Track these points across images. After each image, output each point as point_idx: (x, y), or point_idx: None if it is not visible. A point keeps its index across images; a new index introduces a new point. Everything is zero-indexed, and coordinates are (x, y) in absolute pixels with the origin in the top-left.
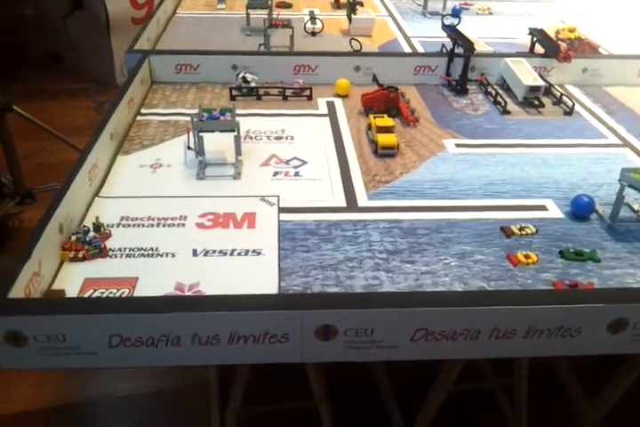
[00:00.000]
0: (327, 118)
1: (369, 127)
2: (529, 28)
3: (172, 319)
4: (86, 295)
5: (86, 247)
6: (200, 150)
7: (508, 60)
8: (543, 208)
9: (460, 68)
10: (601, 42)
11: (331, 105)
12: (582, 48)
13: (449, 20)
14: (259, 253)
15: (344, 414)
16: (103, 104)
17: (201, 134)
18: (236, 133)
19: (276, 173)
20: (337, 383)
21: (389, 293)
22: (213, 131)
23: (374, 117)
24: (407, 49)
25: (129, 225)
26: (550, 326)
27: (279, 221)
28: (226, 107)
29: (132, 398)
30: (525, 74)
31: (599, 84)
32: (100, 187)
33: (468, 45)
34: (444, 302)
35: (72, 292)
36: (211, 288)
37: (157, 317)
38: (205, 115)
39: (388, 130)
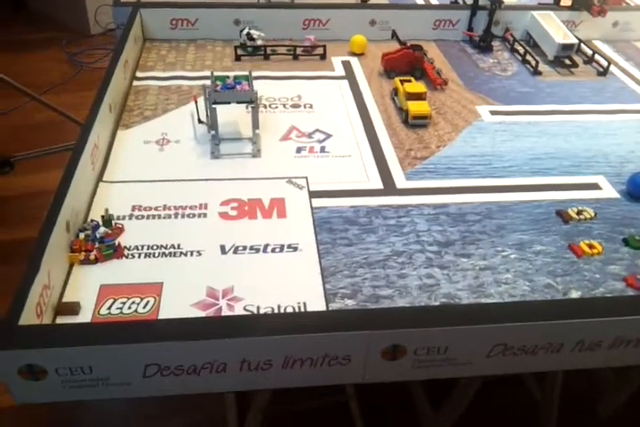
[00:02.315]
0: (345, 81)
1: (395, 92)
2: None
3: (219, 346)
4: (105, 307)
5: (97, 246)
6: (213, 124)
7: (535, 13)
8: (596, 187)
9: (484, 22)
10: None
11: (347, 65)
12: None
13: None
14: (295, 249)
15: (368, 402)
16: (76, 55)
17: (214, 106)
18: (254, 105)
19: (299, 149)
20: None
21: (465, 306)
22: (229, 102)
23: (401, 81)
24: None
25: (143, 217)
26: None
27: (312, 207)
28: (231, 69)
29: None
30: (555, 29)
31: (629, 39)
32: (103, 169)
33: None
34: (527, 316)
35: (88, 303)
36: (247, 294)
37: (202, 344)
38: (219, 84)
39: (419, 97)
